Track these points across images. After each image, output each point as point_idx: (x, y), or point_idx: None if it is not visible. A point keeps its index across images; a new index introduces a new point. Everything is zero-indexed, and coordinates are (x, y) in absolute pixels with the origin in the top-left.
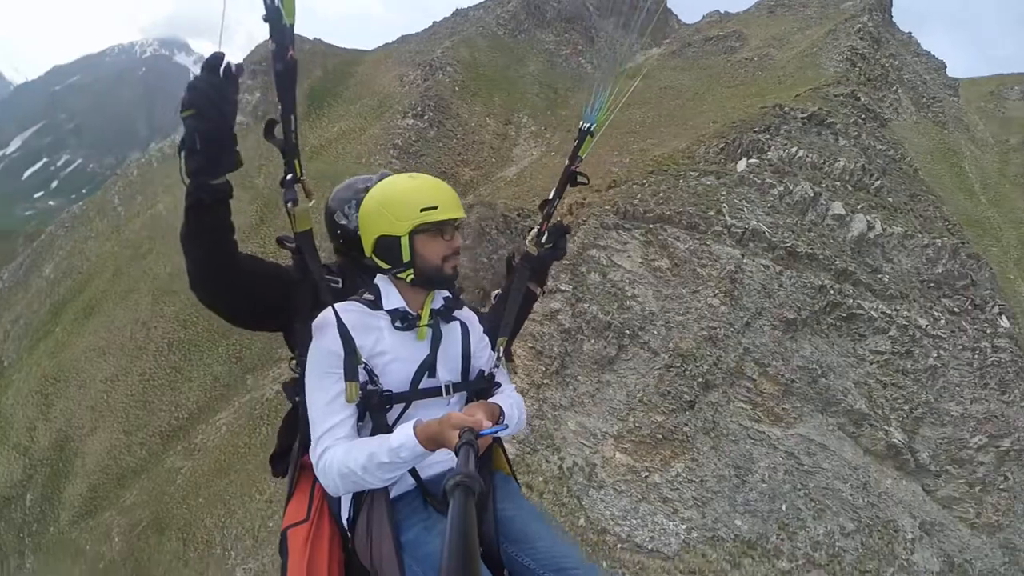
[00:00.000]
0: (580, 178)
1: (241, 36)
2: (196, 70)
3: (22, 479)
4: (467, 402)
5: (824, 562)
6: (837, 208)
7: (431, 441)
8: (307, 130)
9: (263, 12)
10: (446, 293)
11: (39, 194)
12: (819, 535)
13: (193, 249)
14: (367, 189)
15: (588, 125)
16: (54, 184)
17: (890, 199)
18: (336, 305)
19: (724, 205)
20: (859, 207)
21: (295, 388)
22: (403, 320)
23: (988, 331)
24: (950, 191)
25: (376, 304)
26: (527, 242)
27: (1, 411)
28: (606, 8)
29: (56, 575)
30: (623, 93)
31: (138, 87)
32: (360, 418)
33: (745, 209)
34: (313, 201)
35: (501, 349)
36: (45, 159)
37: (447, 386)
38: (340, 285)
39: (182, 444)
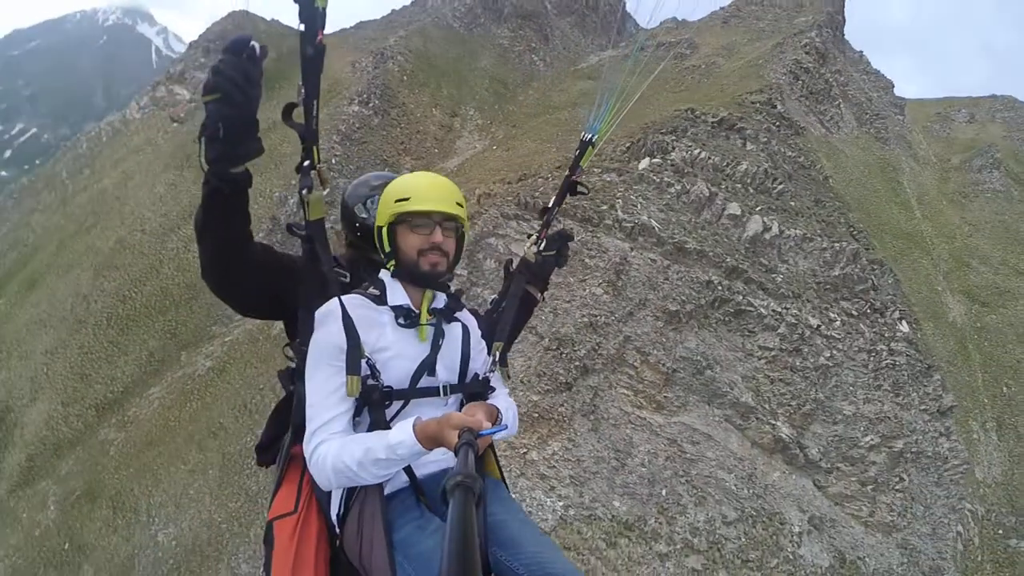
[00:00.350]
0: (580, 188)
1: (204, 9)
2: (159, 42)
3: None
4: (462, 404)
5: (703, 548)
6: (733, 208)
7: (430, 440)
8: (259, 110)
9: None
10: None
11: None
12: (699, 522)
13: (207, 238)
14: (382, 186)
15: (590, 136)
16: (7, 154)
17: (792, 203)
18: (344, 298)
19: (619, 201)
20: (757, 209)
21: (291, 376)
22: (406, 317)
23: (886, 335)
24: (884, 203)
25: (380, 299)
26: (526, 248)
27: None
28: (564, 7)
29: (3, 553)
30: (624, 108)
31: (98, 56)
32: (357, 413)
33: (639, 205)
34: (328, 189)
35: (497, 354)
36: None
37: (444, 387)
38: (348, 279)
39: (116, 417)
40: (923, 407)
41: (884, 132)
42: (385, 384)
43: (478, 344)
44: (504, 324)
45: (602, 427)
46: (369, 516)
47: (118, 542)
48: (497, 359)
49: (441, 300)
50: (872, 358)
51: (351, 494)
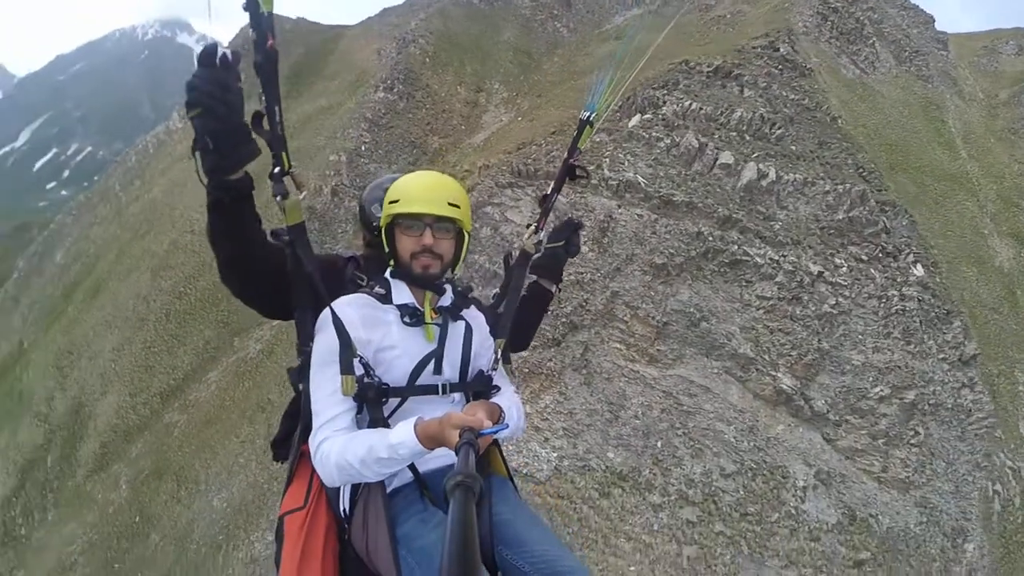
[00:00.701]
0: (579, 172)
1: (240, 13)
2: (199, 49)
3: (43, 443)
4: (466, 402)
5: (699, 500)
6: (726, 157)
7: (431, 440)
8: (289, 108)
9: (243, 1)
10: (450, 291)
11: (51, 184)
12: (695, 474)
13: (219, 246)
14: None
15: (588, 115)
16: (66, 173)
17: (793, 147)
18: (346, 297)
19: (607, 160)
20: (753, 156)
21: (299, 375)
22: (411, 315)
23: (899, 279)
24: (925, 144)
25: (386, 298)
26: (524, 239)
27: (23, 386)
28: None
29: (73, 523)
30: (623, 81)
31: (141, 70)
32: (359, 411)
33: (626, 163)
34: (305, 193)
35: (499, 351)
36: (55, 149)
37: (444, 385)
38: (364, 282)
39: (178, 401)
40: (942, 356)
41: (925, 69)
42: (382, 382)
43: (485, 341)
44: (505, 320)
45: (594, 381)
46: (374, 511)
47: (180, 510)
48: (499, 356)
49: (448, 298)
50: (883, 304)
51: (357, 490)
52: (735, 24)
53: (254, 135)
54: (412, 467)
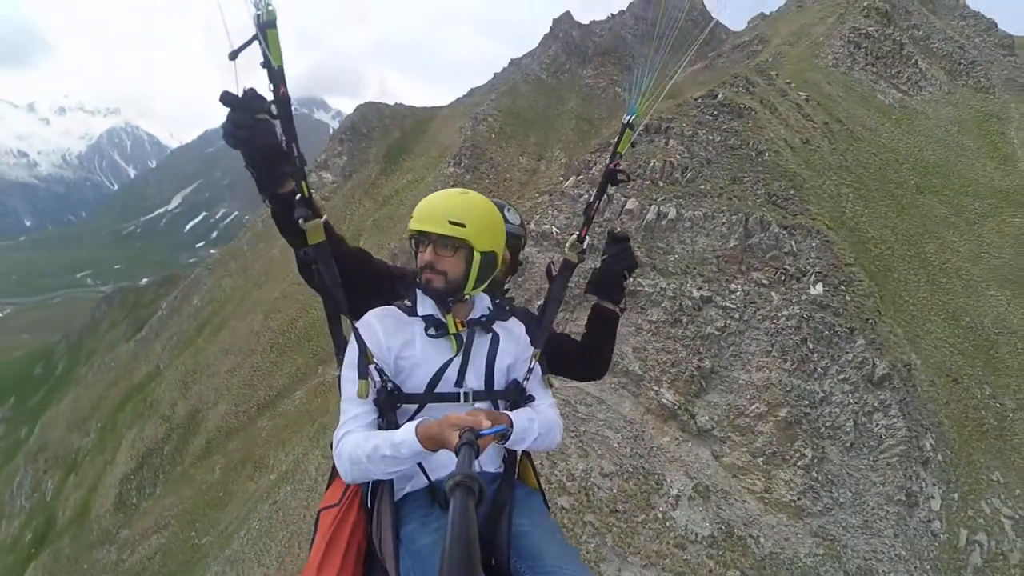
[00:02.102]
0: (620, 176)
1: (374, 90)
2: (334, 125)
3: (163, 437)
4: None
5: (575, 491)
6: (631, 204)
7: (431, 440)
8: (383, 184)
9: (260, 60)
10: (487, 304)
11: (200, 243)
12: (577, 469)
13: (290, 245)
14: None
15: (628, 118)
16: (214, 234)
17: (703, 186)
18: (374, 309)
19: (536, 216)
20: (659, 200)
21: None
22: (436, 328)
23: (793, 300)
24: (973, 161)
25: (412, 310)
26: (566, 248)
27: (155, 396)
28: (643, 32)
29: (174, 496)
30: (664, 84)
31: (322, 137)
32: (380, 415)
33: (549, 217)
34: (325, 217)
35: (533, 361)
36: (204, 213)
37: (467, 393)
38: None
39: (270, 411)
40: (842, 376)
41: (984, 80)
42: (396, 387)
43: (523, 351)
44: (543, 330)
45: None
46: (384, 511)
47: (251, 486)
48: (532, 366)
49: (480, 311)
50: (773, 324)
51: (376, 490)
52: (777, 67)
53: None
54: (425, 473)
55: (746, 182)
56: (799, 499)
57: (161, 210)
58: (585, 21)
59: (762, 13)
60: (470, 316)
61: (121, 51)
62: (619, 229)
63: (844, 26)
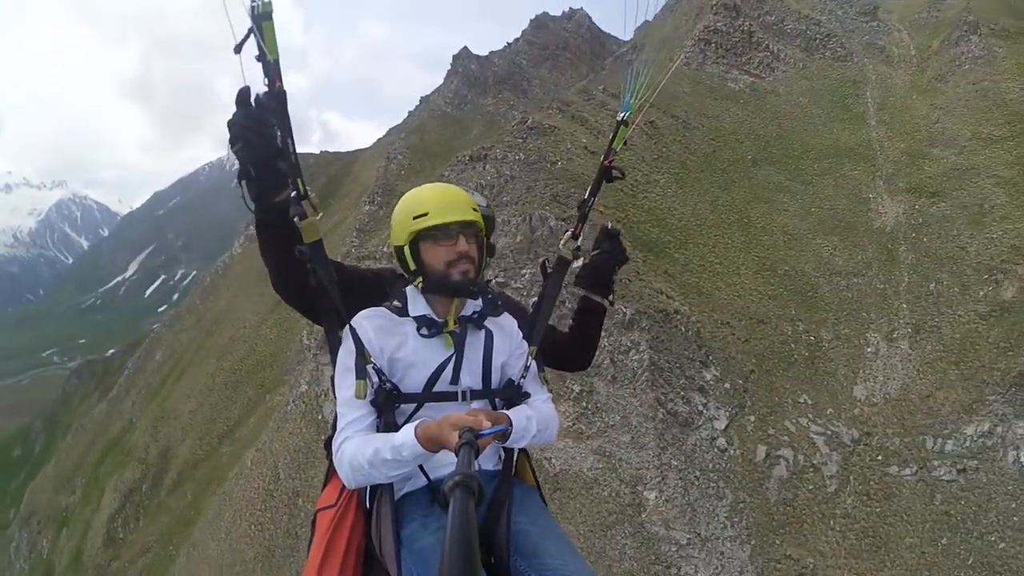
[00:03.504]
0: (615, 173)
1: (317, 134)
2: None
3: (140, 477)
4: (492, 409)
5: None
6: None
7: (431, 441)
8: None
9: (255, 53)
10: (479, 301)
11: (163, 307)
12: None
13: (268, 260)
14: None
15: (623, 115)
16: (175, 296)
17: (504, 199)
18: (365, 311)
19: None
20: None
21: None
22: (429, 327)
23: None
24: (819, 127)
25: (402, 311)
26: (561, 245)
27: (130, 443)
28: (537, 56)
29: (154, 525)
30: (657, 81)
31: (233, 197)
32: (379, 416)
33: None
34: (321, 215)
35: (529, 358)
36: (163, 276)
37: (464, 392)
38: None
39: (229, 439)
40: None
41: (842, 49)
42: (394, 387)
43: (516, 348)
44: (539, 327)
45: None
46: (384, 512)
47: (216, 499)
48: (528, 363)
49: (471, 308)
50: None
51: (375, 491)
52: (604, 80)
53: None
54: (424, 472)
55: (536, 189)
56: (575, 424)
57: (119, 278)
58: (484, 52)
59: (646, 20)
60: (461, 313)
61: (63, 122)
62: (611, 225)
63: (697, 26)
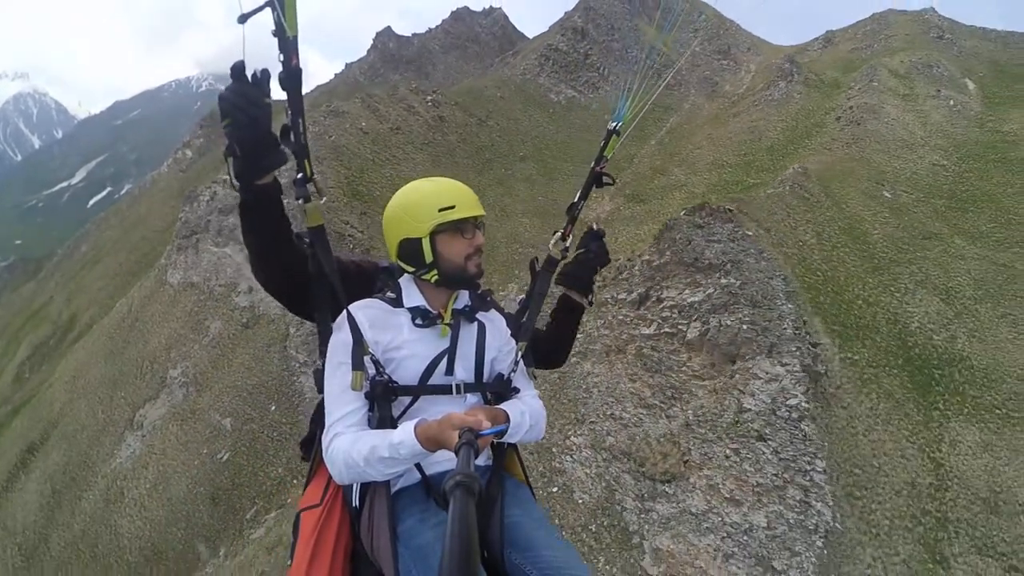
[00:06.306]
0: (606, 179)
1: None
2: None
3: (51, 334)
4: (484, 403)
5: None
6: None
7: (431, 441)
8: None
9: (272, 28)
10: (467, 293)
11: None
12: None
13: (249, 243)
14: None
15: (615, 125)
16: None
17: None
18: (357, 302)
19: None
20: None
21: (323, 377)
22: (423, 318)
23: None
24: (594, 138)
25: (397, 302)
26: (550, 246)
27: (48, 311)
28: (449, 44)
29: (54, 365)
30: (650, 93)
31: (194, 120)
32: (371, 408)
33: None
34: (325, 199)
35: (519, 353)
36: (109, 188)
37: (458, 385)
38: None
39: (125, 300)
40: None
41: (674, 79)
42: (391, 379)
43: (505, 344)
44: (528, 324)
45: None
46: (378, 509)
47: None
48: (518, 359)
49: (463, 301)
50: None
51: (366, 488)
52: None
53: (282, 146)
54: (419, 469)
55: (327, 173)
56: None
57: (64, 183)
58: (408, 34)
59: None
60: (453, 306)
61: (38, 15)
62: (596, 226)
63: (542, 44)
